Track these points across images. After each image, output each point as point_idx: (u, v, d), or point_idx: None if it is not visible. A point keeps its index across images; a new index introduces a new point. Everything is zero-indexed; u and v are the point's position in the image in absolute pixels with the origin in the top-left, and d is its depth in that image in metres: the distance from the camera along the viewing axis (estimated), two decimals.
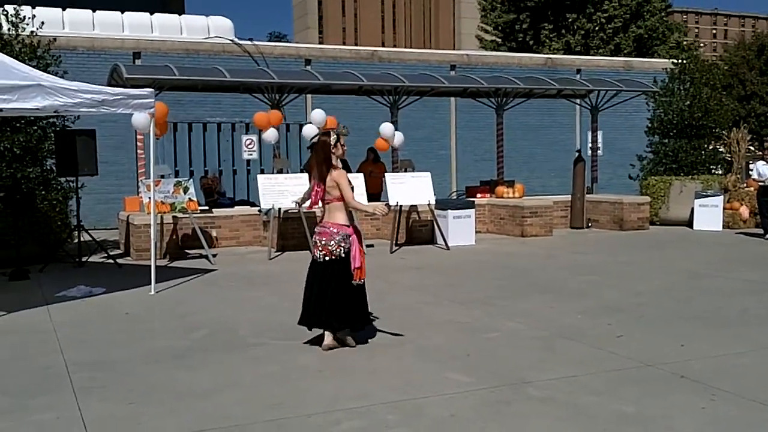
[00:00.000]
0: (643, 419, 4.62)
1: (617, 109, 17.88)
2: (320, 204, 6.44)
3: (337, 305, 6.21)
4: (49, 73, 10.03)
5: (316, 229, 6.43)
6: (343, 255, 6.24)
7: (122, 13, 21.33)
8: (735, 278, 9.69)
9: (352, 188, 6.39)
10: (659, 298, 8.39)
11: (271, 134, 13.22)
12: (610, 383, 5.30)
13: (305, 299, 6.37)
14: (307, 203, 6.69)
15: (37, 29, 12.11)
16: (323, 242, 6.28)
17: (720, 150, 18.88)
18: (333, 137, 6.40)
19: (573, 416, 4.68)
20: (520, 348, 6.31)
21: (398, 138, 14.01)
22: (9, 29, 11.90)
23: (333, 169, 6.30)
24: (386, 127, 13.92)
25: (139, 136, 13.15)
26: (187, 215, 12.14)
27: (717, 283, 9.37)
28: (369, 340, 6.52)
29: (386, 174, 13.91)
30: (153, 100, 8.95)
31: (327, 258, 6.25)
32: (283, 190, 12.30)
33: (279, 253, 12.53)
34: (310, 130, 12.74)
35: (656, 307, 7.94)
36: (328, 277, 6.23)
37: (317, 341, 6.35)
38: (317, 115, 13.03)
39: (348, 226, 6.32)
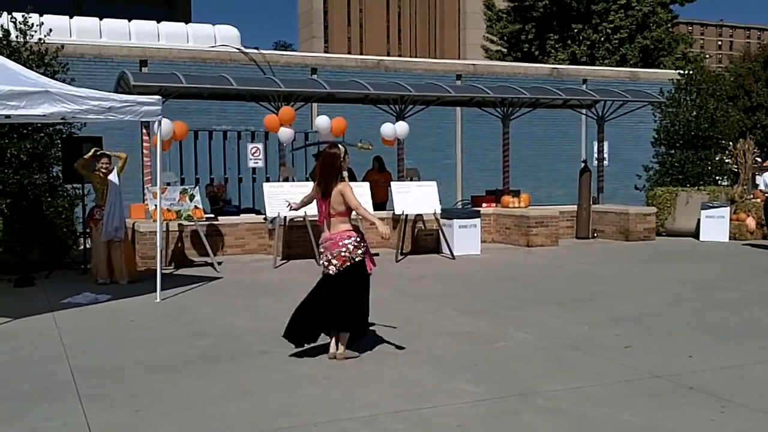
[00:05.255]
0: (653, 431, 4.58)
1: (623, 119, 17.84)
2: (324, 223, 6.26)
3: (357, 310, 6.16)
4: (56, 80, 10.04)
5: (324, 244, 6.25)
6: (356, 259, 6.16)
7: (129, 21, 21.40)
8: (744, 290, 9.64)
9: None
10: (667, 309, 8.34)
11: (285, 134, 13.10)
12: (619, 394, 5.26)
13: (310, 311, 6.21)
14: (301, 211, 6.47)
15: (45, 37, 12.14)
16: (336, 252, 6.13)
17: (726, 161, 18.84)
18: (342, 149, 6.29)
19: (582, 427, 4.64)
20: (527, 358, 6.27)
21: (401, 129, 13.89)
22: (17, 36, 11.93)
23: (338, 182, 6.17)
24: (386, 128, 13.89)
25: (145, 144, 13.17)
26: (193, 223, 12.13)
27: (725, 294, 9.31)
28: (375, 349, 6.49)
29: (392, 183, 13.88)
30: (160, 107, 8.96)
31: (342, 267, 6.12)
32: (288, 199, 12.24)
33: (284, 261, 12.52)
34: (322, 123, 12.73)
35: (664, 318, 7.89)
36: (346, 284, 6.12)
37: (323, 350, 6.31)
38: (322, 121, 13.01)
39: (355, 232, 6.26)
